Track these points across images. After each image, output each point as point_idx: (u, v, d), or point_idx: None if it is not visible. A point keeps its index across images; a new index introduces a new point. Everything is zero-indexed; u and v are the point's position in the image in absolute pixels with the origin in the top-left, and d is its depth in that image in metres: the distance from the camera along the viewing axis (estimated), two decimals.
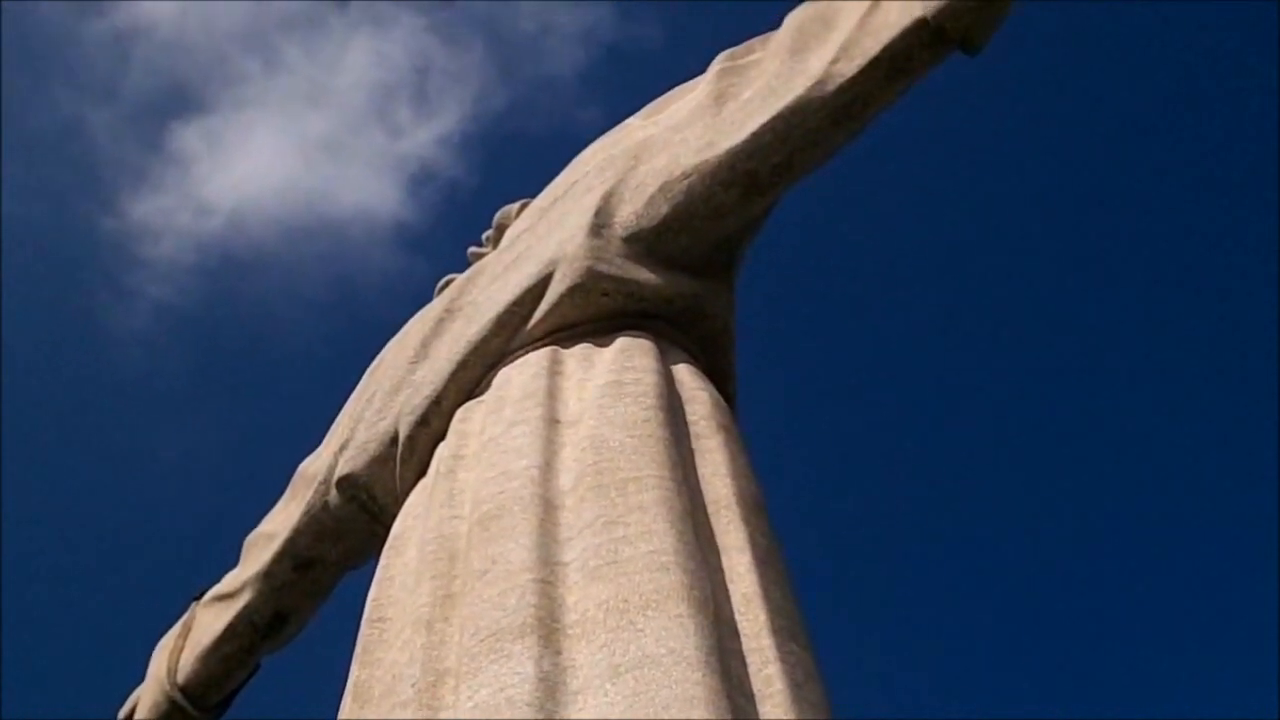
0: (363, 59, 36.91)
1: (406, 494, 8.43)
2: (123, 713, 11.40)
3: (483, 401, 8.29)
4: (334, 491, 9.56)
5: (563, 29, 36.09)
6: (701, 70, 10.12)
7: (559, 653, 5.58)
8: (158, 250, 34.53)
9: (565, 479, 6.89)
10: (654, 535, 6.14)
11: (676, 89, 10.44)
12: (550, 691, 5.34)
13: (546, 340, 8.56)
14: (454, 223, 34.45)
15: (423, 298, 10.71)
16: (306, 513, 10.08)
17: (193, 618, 11.23)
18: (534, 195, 10.81)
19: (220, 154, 36.50)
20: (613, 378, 7.76)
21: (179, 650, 11.04)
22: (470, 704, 5.41)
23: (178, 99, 36.16)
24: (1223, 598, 30.79)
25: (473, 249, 10.89)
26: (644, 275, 8.79)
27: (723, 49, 10.10)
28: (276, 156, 38.05)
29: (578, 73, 35.29)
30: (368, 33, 37.00)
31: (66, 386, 33.85)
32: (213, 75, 36.69)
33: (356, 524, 9.65)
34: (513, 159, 34.81)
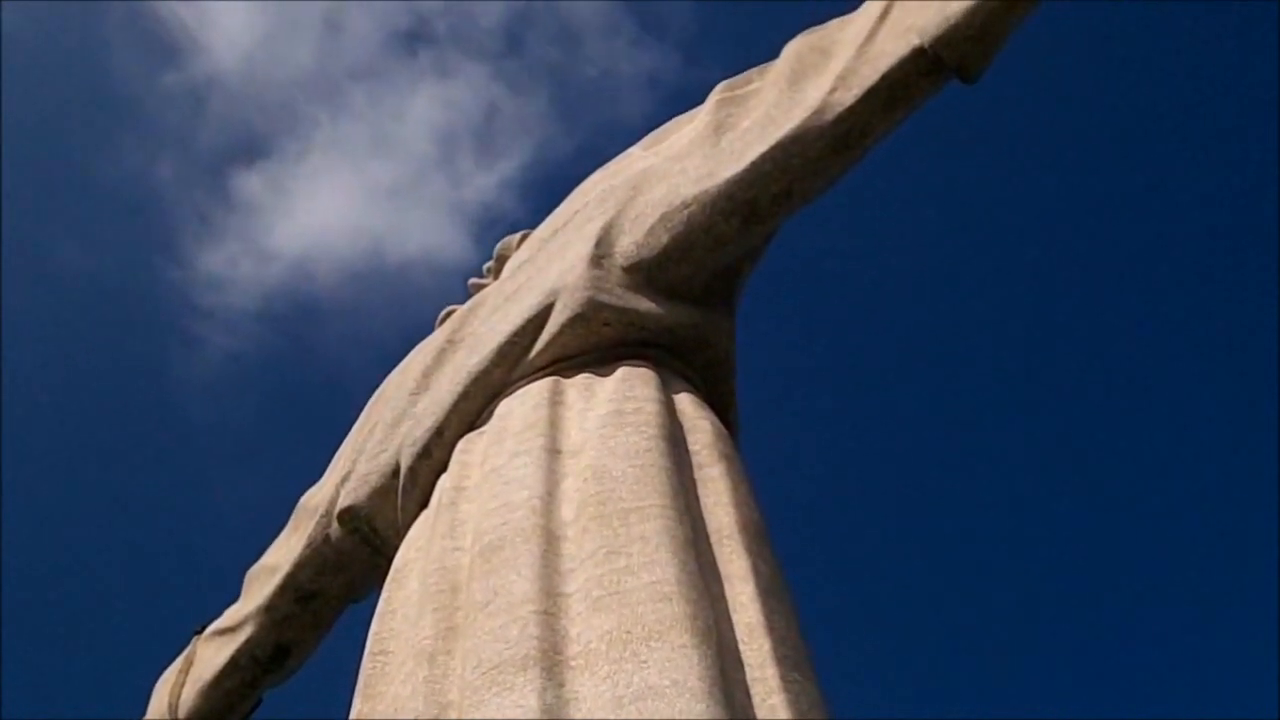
0: (429, 106, 37.41)
1: (408, 526, 8.40)
2: None
3: (484, 432, 8.28)
4: (336, 524, 9.54)
5: (627, 74, 36.32)
6: None
7: (562, 685, 5.55)
8: (225, 299, 34.85)
9: (567, 509, 6.87)
10: (656, 565, 6.12)
11: (676, 119, 10.48)
12: None
13: (548, 370, 8.56)
14: None
15: None
16: (308, 545, 10.06)
17: (194, 652, 11.18)
18: None
19: (286, 202, 36.95)
20: (614, 407, 7.76)
21: (180, 685, 10.98)
22: None
23: (245, 148, 36.67)
24: (1223, 598, 30.83)
25: (473, 280, 10.90)
26: (645, 305, 8.80)
27: None
28: (342, 204, 38.39)
29: (642, 116, 35.28)
30: (434, 81, 37.43)
31: (135, 436, 34.09)
32: (280, 124, 37.26)
33: (358, 556, 9.62)
34: None
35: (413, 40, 37.15)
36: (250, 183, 36.17)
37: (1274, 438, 26.99)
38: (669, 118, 10.49)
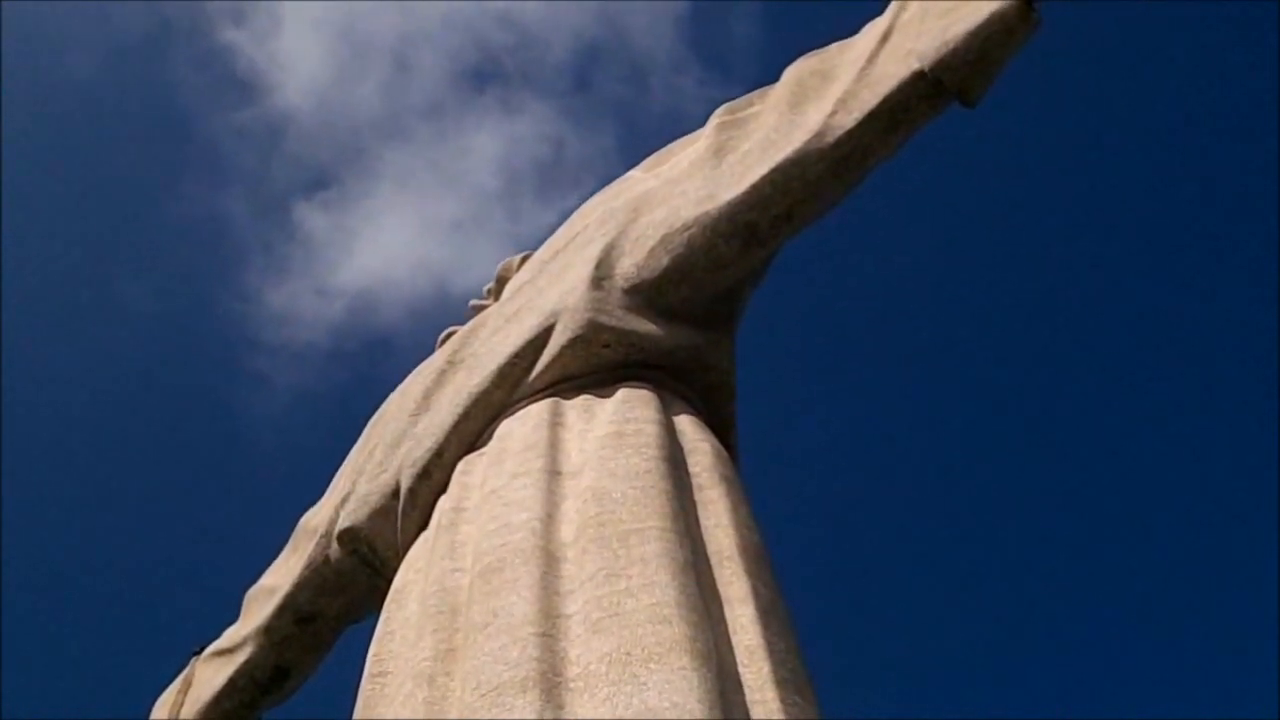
0: (494, 142, 37.64)
1: (408, 547, 8.39)
2: None
3: (484, 453, 8.28)
4: (335, 545, 9.52)
5: (693, 112, 36.47)
6: None
7: (561, 707, 5.53)
8: (291, 334, 35.00)
9: (567, 531, 6.87)
10: (656, 587, 6.11)
11: (677, 142, 10.51)
12: None
13: (548, 392, 8.56)
14: None
15: None
16: (308, 566, 10.04)
17: (193, 673, 11.15)
18: None
19: (352, 237, 37.22)
20: (614, 429, 7.75)
21: (179, 706, 10.94)
22: None
23: (312, 184, 37.02)
24: (1223, 598, 30.83)
25: (474, 302, 10.93)
26: (645, 327, 8.81)
27: None
28: (407, 238, 38.59)
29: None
30: (500, 117, 37.73)
31: (203, 471, 34.27)
32: (347, 160, 37.66)
33: (358, 577, 9.60)
34: None
35: (480, 78, 37.65)
36: (316, 218, 36.53)
37: (1274, 438, 27.04)
38: None
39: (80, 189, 33.40)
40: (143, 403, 33.42)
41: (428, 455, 8.71)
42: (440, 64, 37.26)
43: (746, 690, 5.87)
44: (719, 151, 9.49)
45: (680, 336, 8.91)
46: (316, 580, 10.02)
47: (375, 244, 37.96)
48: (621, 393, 8.29)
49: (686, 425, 8.21)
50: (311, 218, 36.29)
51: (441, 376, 9.45)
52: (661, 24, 36.71)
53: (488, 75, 37.56)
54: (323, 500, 10.50)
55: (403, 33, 36.67)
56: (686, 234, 8.99)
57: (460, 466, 8.34)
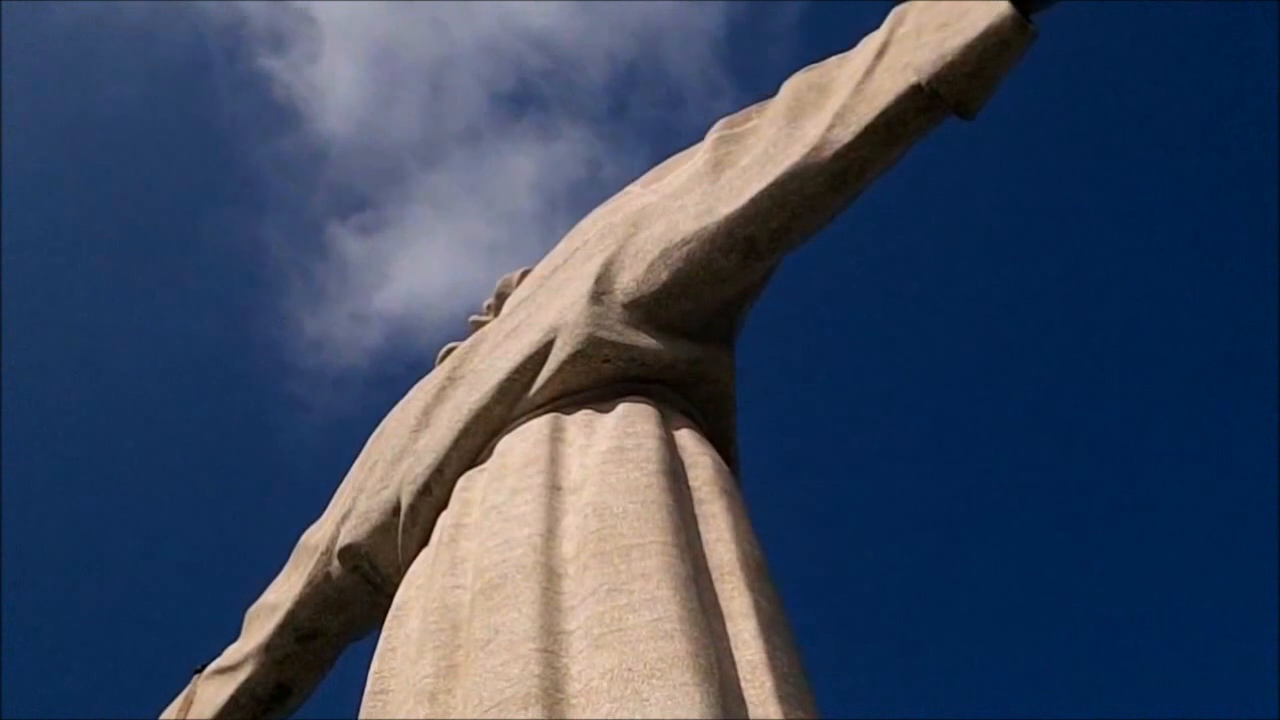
0: (531, 166, 38.02)
1: (409, 564, 8.38)
2: None
3: (485, 469, 8.27)
4: (336, 562, 9.51)
5: None
6: None
7: None
8: (328, 359, 35.38)
9: (568, 546, 6.85)
10: (658, 602, 6.10)
11: (675, 156, 10.52)
12: None
13: (548, 407, 8.55)
14: None
15: None
16: (309, 583, 10.03)
17: (194, 691, 11.12)
18: None
19: (388, 263, 37.55)
20: (614, 444, 7.75)
21: None
22: None
23: (349, 210, 37.38)
24: (1223, 598, 30.80)
25: (473, 317, 10.93)
26: (645, 341, 8.81)
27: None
28: (444, 263, 38.84)
29: None
30: (536, 141, 38.08)
31: (241, 497, 34.45)
32: (384, 185, 37.98)
33: (359, 594, 9.59)
34: None
35: (517, 102, 37.99)
36: (353, 243, 36.76)
37: (1274, 437, 27.05)
38: None
39: (120, 215, 33.80)
40: (182, 428, 33.60)
41: (428, 472, 8.70)
42: (477, 88, 37.59)
43: (749, 706, 5.85)
44: (717, 166, 9.50)
45: (680, 350, 8.91)
46: (318, 597, 10.01)
47: (412, 268, 38.35)
48: (622, 407, 8.29)
49: (687, 439, 8.21)
50: (348, 243, 36.59)
51: (442, 393, 9.44)
52: (697, 47, 36.97)
53: (524, 99, 38.09)
54: (324, 517, 10.49)
55: (439, 57, 37.02)
56: (686, 248, 9.00)
57: (461, 483, 8.33)
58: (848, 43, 9.70)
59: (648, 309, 8.96)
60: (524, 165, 38.05)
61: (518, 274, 11.04)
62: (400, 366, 35.64)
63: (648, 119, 37.69)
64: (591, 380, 8.67)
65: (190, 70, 35.37)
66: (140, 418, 33.20)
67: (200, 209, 35.63)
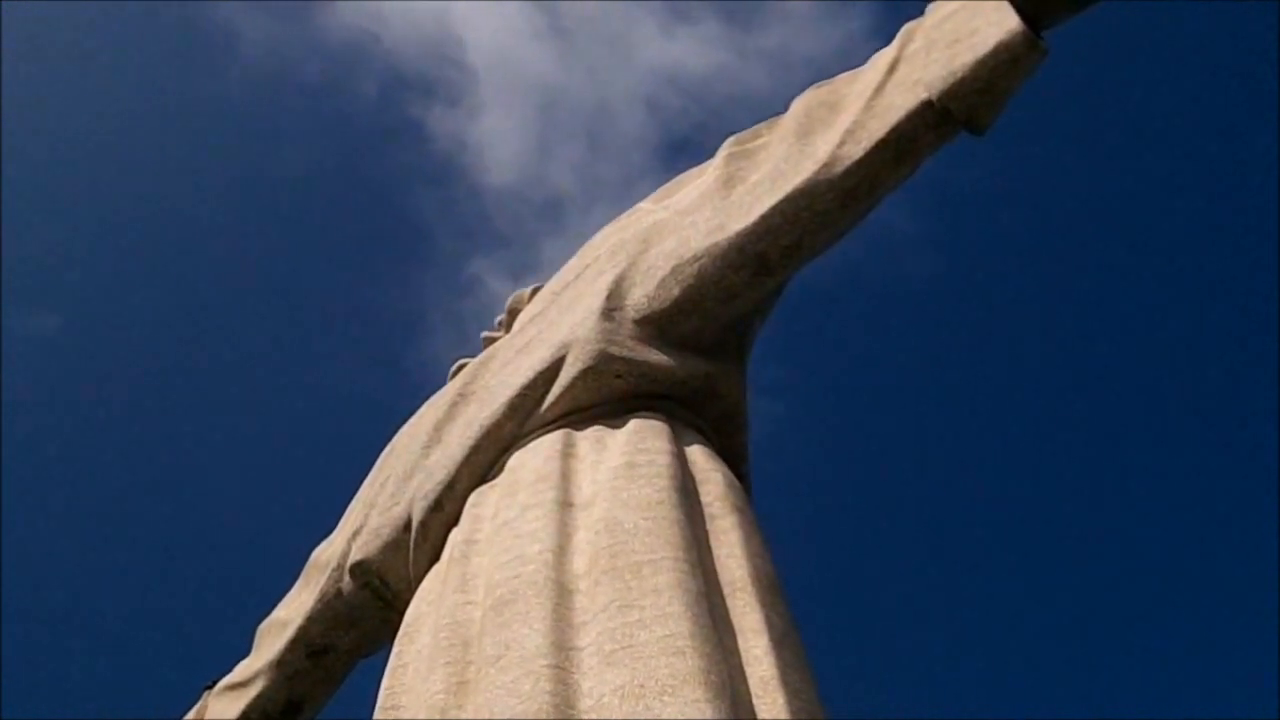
0: None
1: (420, 580, 8.38)
2: None
3: (496, 485, 8.27)
4: (347, 578, 9.51)
5: None
6: None
7: None
8: None
9: (579, 562, 6.85)
10: (669, 619, 6.09)
11: (686, 173, 10.54)
12: None
13: (559, 423, 8.56)
14: None
15: None
16: (320, 599, 10.03)
17: (205, 707, 11.12)
18: None
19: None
20: (626, 459, 7.74)
21: None
22: None
23: (508, 262, 38.32)
24: (1223, 597, 30.65)
25: (485, 334, 10.94)
26: (656, 357, 8.81)
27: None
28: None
29: None
30: None
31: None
32: (542, 236, 38.89)
33: (370, 611, 9.59)
34: None
35: (673, 150, 38.51)
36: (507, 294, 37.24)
37: (1274, 437, 26.97)
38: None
39: (282, 272, 34.24)
40: (340, 487, 33.82)
41: (439, 488, 8.71)
42: (634, 137, 37.90)
43: None
44: (728, 182, 9.51)
45: (692, 366, 8.92)
46: (329, 614, 10.01)
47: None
48: (633, 423, 8.29)
49: (698, 455, 8.21)
50: (502, 294, 36.93)
51: (453, 409, 9.45)
52: None
53: (680, 147, 38.49)
54: (334, 533, 10.49)
55: (597, 107, 37.34)
56: (697, 264, 9.01)
57: (472, 499, 8.34)
58: None
59: (659, 325, 8.97)
60: None
61: (529, 290, 11.05)
62: None
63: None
64: (603, 396, 8.68)
65: (363, 130, 36.63)
66: (296, 475, 34.17)
67: (360, 263, 37.18)
